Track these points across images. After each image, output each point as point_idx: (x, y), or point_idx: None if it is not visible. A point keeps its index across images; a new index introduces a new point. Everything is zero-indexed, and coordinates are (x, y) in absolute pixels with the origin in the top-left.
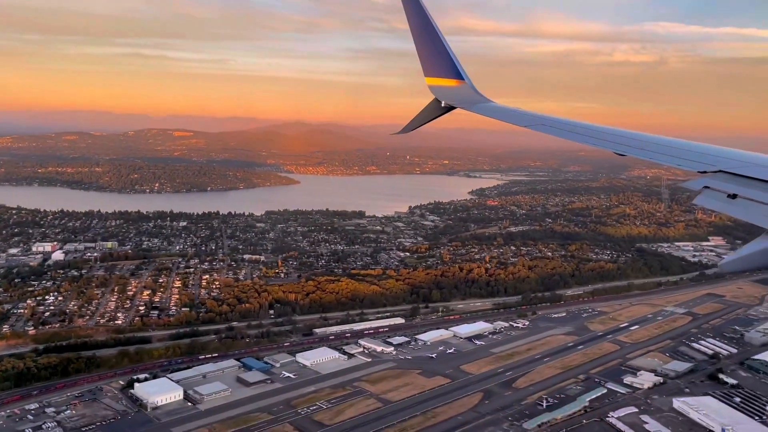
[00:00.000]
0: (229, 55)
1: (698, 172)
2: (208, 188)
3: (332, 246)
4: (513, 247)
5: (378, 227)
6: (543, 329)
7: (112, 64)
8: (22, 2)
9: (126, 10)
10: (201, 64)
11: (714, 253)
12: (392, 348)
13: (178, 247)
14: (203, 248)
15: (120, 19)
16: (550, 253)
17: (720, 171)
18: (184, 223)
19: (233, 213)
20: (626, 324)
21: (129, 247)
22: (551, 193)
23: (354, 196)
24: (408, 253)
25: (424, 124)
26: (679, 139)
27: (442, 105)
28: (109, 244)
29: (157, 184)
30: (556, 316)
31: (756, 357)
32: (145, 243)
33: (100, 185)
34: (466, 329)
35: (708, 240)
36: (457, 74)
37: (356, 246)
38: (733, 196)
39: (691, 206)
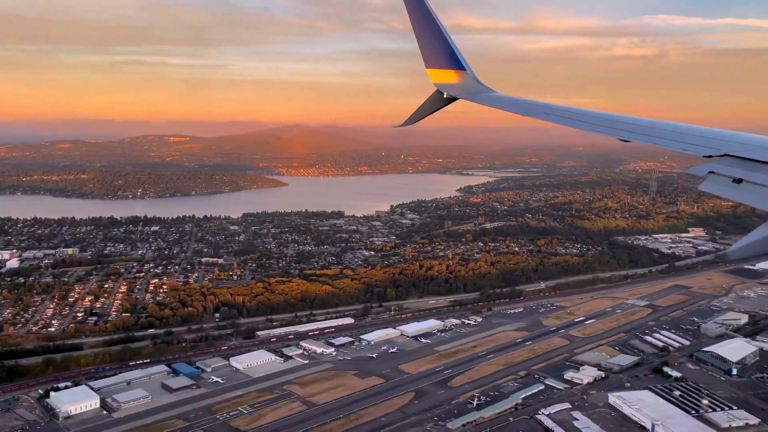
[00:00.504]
0: (229, 60)
1: (703, 156)
2: (192, 192)
3: (300, 247)
4: (481, 243)
5: (353, 227)
6: (495, 325)
7: (112, 71)
8: (21, 13)
9: (125, 18)
10: (201, 69)
11: (691, 245)
12: (333, 349)
13: (140, 252)
14: (167, 252)
15: (119, 27)
16: (517, 248)
17: (726, 155)
18: (156, 228)
19: (209, 216)
20: (582, 318)
21: (90, 253)
22: (536, 189)
23: (338, 197)
24: (373, 252)
25: (427, 116)
26: (684, 124)
27: (444, 96)
28: (69, 251)
29: (140, 190)
30: (512, 311)
31: (706, 349)
32: (109, 248)
33: (83, 192)
34: (413, 328)
35: (688, 231)
36: (459, 65)
37: (325, 246)
38: (738, 181)
39: (675, 199)
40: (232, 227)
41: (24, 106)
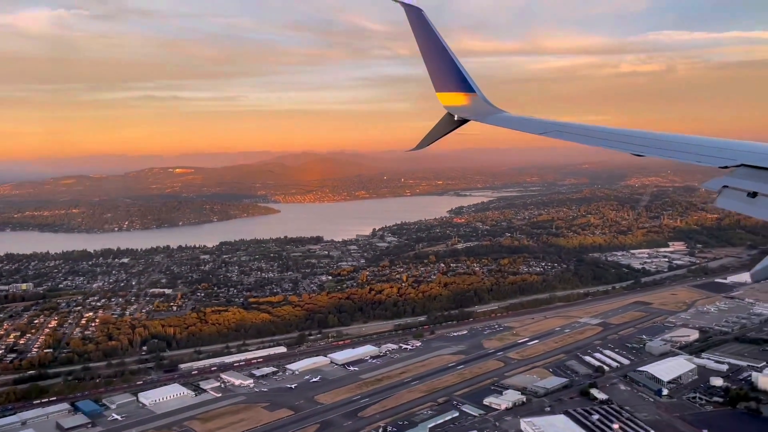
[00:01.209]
0: (240, 91)
1: (719, 167)
2: (180, 223)
3: (263, 274)
4: (443, 264)
5: (326, 252)
6: (434, 349)
7: (125, 107)
8: (35, 54)
9: (137, 55)
10: (212, 102)
11: (666, 259)
12: (251, 380)
13: (95, 285)
14: (123, 284)
15: (131, 64)
16: (478, 268)
17: (742, 165)
18: (126, 260)
19: (183, 246)
20: (526, 339)
21: (44, 287)
22: (522, 208)
23: (325, 221)
24: (331, 278)
25: (439, 139)
26: (699, 136)
27: (455, 119)
28: (23, 286)
29: (126, 222)
30: (455, 334)
31: (640, 368)
32: (66, 282)
33: (70, 227)
34: (344, 355)
35: (668, 245)
36: (468, 87)
37: (289, 273)
38: (754, 195)
39: (661, 213)
40: (203, 256)
41: (39, 143)
